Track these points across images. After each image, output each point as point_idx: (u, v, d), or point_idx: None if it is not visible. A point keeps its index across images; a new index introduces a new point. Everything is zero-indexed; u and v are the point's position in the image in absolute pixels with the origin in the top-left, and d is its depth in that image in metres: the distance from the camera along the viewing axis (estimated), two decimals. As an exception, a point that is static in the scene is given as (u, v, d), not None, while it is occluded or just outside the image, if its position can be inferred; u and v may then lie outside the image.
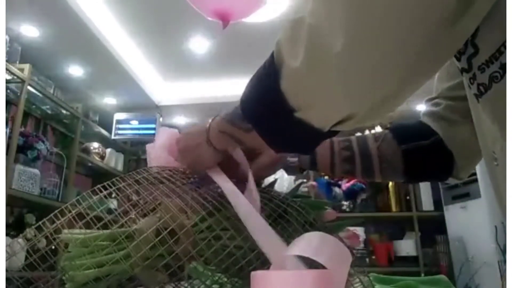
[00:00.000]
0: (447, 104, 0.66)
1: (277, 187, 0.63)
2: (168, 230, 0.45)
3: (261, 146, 0.45)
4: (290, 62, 0.36)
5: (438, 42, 0.33)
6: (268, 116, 0.42)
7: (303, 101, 0.38)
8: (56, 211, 0.48)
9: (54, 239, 0.49)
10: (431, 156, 0.66)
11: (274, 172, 0.67)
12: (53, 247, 0.49)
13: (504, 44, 0.38)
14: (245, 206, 0.46)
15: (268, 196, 0.53)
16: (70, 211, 0.48)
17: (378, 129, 3.68)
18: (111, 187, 0.51)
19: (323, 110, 0.38)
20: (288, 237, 0.47)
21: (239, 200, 0.47)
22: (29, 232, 2.40)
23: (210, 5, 1.64)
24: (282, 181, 2.95)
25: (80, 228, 0.49)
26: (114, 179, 0.52)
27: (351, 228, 0.60)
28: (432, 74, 0.37)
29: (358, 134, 0.72)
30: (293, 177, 3.19)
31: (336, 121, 0.39)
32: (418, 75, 0.36)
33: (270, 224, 0.47)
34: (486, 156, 0.51)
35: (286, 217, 0.49)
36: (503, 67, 0.39)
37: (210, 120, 0.53)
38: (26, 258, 0.49)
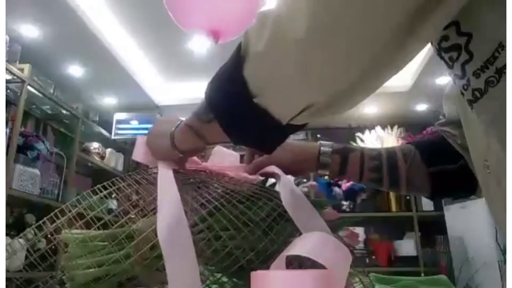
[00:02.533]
0: (461, 131, 0.66)
1: (278, 187, 0.63)
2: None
3: (220, 141, 0.45)
4: (254, 48, 0.37)
5: (407, 34, 0.33)
6: (228, 104, 0.41)
7: (263, 85, 0.38)
8: (56, 211, 0.48)
9: (55, 238, 0.49)
10: (458, 179, 0.67)
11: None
12: (53, 246, 0.49)
13: (497, 49, 0.38)
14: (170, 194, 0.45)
15: (268, 195, 0.53)
16: (70, 211, 0.48)
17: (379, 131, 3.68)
18: (111, 187, 0.51)
19: (282, 96, 0.38)
20: (288, 236, 0.47)
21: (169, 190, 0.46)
22: (29, 231, 2.40)
23: (200, 26, 1.64)
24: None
25: (80, 227, 0.49)
26: (114, 179, 0.52)
27: (350, 228, 0.60)
28: (398, 69, 0.37)
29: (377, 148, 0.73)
30: (293, 177, 3.19)
31: (295, 112, 0.38)
32: (383, 67, 0.36)
33: (270, 223, 0.47)
34: (477, 165, 0.50)
35: (286, 216, 0.49)
36: (498, 71, 0.38)
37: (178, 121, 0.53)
38: (26, 258, 0.49)
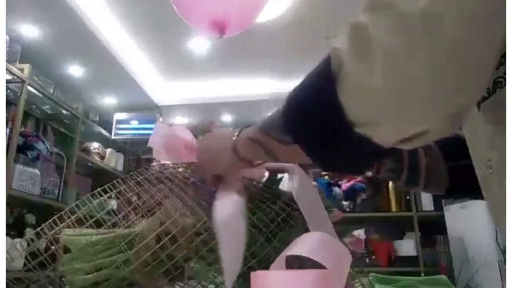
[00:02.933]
0: None
1: (285, 185, 0.62)
2: (168, 237, 0.45)
3: (295, 162, 0.42)
4: (361, 77, 0.33)
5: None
6: (319, 131, 0.37)
7: (372, 117, 0.34)
8: (55, 217, 0.48)
9: (56, 242, 0.48)
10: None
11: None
12: (53, 250, 0.48)
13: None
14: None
15: (272, 197, 0.52)
16: (69, 217, 0.48)
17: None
18: (111, 190, 0.50)
19: (396, 126, 0.34)
20: (292, 238, 0.47)
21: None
22: (29, 232, 2.41)
23: (204, 16, 1.62)
24: (283, 181, 2.95)
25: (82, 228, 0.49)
26: (114, 181, 0.52)
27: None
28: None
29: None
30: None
31: (406, 136, 0.35)
32: (484, 84, 0.35)
33: (273, 230, 0.47)
34: (479, 165, 0.50)
35: (290, 222, 0.48)
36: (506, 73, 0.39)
37: (241, 128, 0.50)
38: (26, 259, 0.48)
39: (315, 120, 0.37)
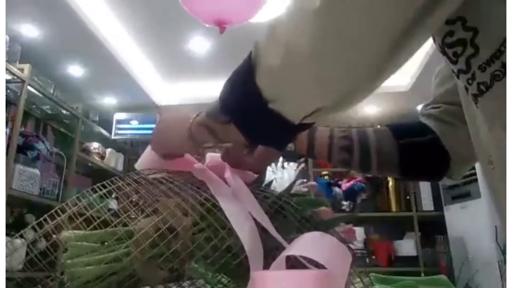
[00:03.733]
0: (445, 107, 0.67)
1: (278, 187, 0.63)
2: (167, 226, 0.45)
3: (235, 139, 0.48)
4: (266, 61, 0.40)
5: (415, 30, 0.34)
6: (244, 108, 0.44)
7: (278, 94, 0.41)
8: (55, 209, 0.48)
9: (54, 235, 0.49)
10: (428, 153, 0.68)
11: (271, 160, 0.68)
12: (53, 243, 0.49)
13: (504, 44, 0.38)
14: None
15: (263, 194, 0.53)
16: (69, 209, 0.48)
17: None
18: (110, 186, 0.51)
19: (295, 103, 0.41)
20: (286, 233, 0.47)
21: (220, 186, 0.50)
22: (27, 231, 2.40)
23: (206, 10, 1.64)
24: (283, 181, 2.96)
25: (80, 224, 0.49)
26: (113, 178, 0.52)
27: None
28: (403, 62, 0.38)
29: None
30: (293, 178, 3.19)
31: (306, 114, 0.42)
32: (390, 64, 0.37)
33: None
34: (481, 160, 0.51)
35: (283, 212, 0.49)
36: (504, 65, 0.39)
37: (194, 115, 0.56)
38: (26, 256, 0.48)
39: (241, 102, 0.44)
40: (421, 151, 0.68)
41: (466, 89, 0.45)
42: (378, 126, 0.74)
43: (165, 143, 0.61)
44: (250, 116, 0.44)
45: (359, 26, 0.33)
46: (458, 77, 0.47)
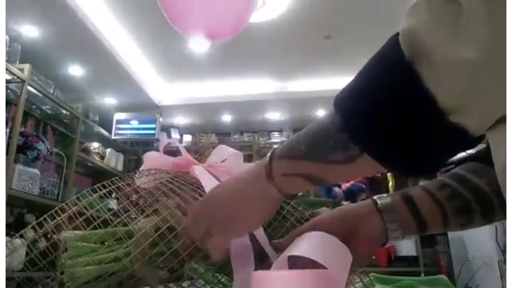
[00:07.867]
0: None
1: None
2: (167, 225, 0.45)
3: (352, 178, 0.36)
4: (455, 53, 0.27)
5: None
6: (400, 128, 0.30)
7: (466, 101, 0.28)
8: (55, 209, 0.48)
9: (54, 234, 0.49)
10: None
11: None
12: (53, 244, 0.49)
13: None
14: None
15: None
16: (69, 209, 0.48)
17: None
18: (110, 186, 0.51)
19: (486, 110, 0.29)
20: (285, 232, 0.47)
21: None
22: (27, 231, 2.40)
23: (191, 27, 1.63)
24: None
25: (80, 224, 0.49)
26: (113, 179, 0.52)
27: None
28: None
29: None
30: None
31: (490, 124, 0.30)
32: None
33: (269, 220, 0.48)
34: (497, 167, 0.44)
35: (283, 213, 0.49)
36: None
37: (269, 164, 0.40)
38: (27, 255, 0.48)
39: (392, 118, 0.30)
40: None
41: None
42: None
43: (239, 224, 0.43)
44: (410, 139, 0.31)
45: None
46: None
